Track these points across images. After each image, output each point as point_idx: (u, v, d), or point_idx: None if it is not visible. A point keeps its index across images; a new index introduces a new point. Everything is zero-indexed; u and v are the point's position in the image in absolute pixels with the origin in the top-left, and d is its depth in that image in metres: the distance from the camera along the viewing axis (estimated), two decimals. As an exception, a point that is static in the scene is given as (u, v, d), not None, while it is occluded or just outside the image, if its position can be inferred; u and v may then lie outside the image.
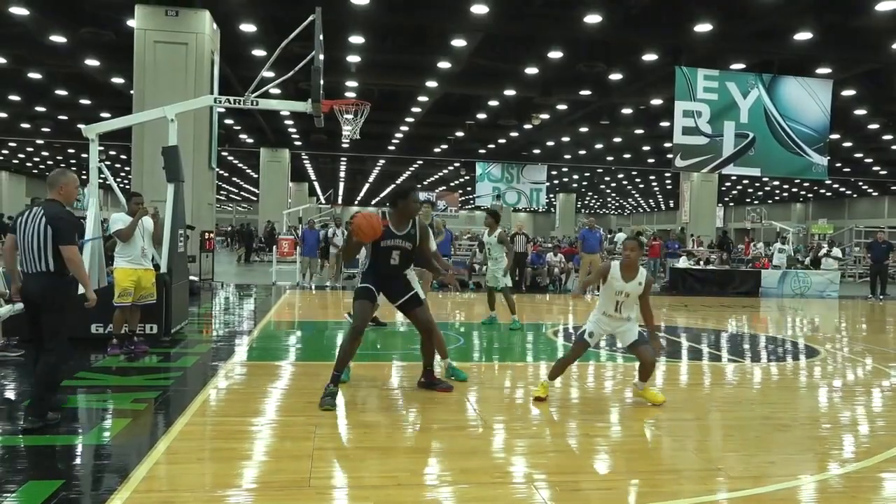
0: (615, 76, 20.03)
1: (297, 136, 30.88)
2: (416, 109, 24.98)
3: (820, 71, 18.31)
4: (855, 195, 56.31)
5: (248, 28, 15.77)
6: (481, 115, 26.48)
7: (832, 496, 3.79)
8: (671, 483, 3.87)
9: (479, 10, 14.17)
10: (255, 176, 37.23)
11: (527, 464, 4.14)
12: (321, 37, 8.94)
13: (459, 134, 30.96)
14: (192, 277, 11.76)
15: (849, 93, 20.66)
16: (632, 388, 5.90)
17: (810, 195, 57.30)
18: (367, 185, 54.85)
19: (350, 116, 10.24)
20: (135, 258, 7.32)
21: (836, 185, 50.46)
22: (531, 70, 19.44)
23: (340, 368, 5.48)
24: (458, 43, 16.79)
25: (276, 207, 29.94)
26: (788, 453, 4.53)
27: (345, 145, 29.94)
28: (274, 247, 19.86)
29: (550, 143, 33.18)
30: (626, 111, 25.23)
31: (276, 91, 15.74)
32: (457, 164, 40.02)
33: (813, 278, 18.84)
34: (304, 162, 40.70)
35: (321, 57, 8.88)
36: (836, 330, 12.02)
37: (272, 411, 5.31)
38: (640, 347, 5.54)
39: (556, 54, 17.73)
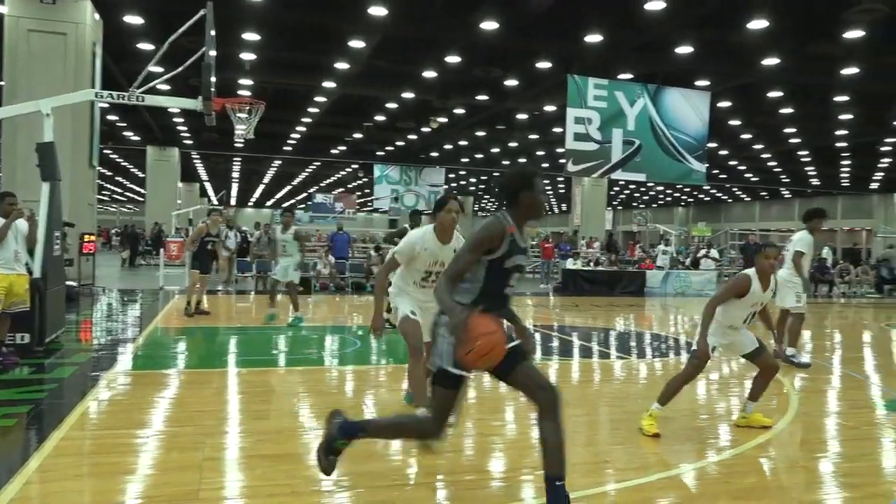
0: (511, 82, 20.50)
1: (187, 135, 29.66)
2: (313, 110, 24.60)
3: (699, 83, 19.46)
4: (730, 200, 60.24)
5: (133, 20, 15.01)
6: (380, 117, 26.41)
7: (708, 482, 4.03)
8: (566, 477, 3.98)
9: (378, 11, 14.13)
10: (142, 175, 35.45)
11: (424, 464, 4.15)
12: (213, 32, 8.64)
13: (357, 135, 30.74)
14: (69, 282, 11.04)
15: (725, 104, 22.06)
16: (738, 417, 5.24)
17: (691, 200, 60.84)
18: (261, 187, 53.46)
19: (244, 115, 9.96)
20: (6, 262, 6.78)
21: (713, 191, 53.81)
22: (429, 73, 19.57)
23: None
24: (357, 44, 16.67)
25: (165, 209, 28.60)
26: (670, 444, 4.77)
27: (238, 145, 29.04)
28: (161, 250, 19.00)
29: (448, 147, 33.54)
30: (522, 116, 25.86)
31: (165, 87, 15.13)
32: (355, 166, 39.70)
33: (693, 278, 19.99)
34: (196, 161, 39.15)
35: (213, 53, 8.59)
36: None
37: (158, 422, 5.06)
38: (763, 354, 5.05)
39: (453, 59, 17.93)
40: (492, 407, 5.72)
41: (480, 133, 29.01)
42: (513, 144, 32.07)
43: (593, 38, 15.96)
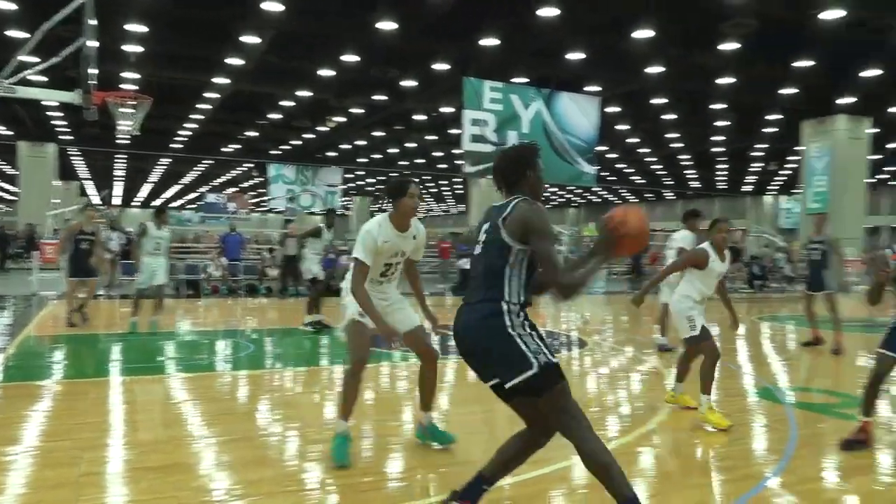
0: (408, 82, 20.55)
1: (65, 130, 27.84)
2: (204, 106, 23.71)
3: (590, 88, 20.21)
4: (618, 201, 62.93)
5: (5, 5, 13.97)
6: (274, 115, 25.80)
7: (599, 473, 4.18)
8: (460, 475, 4.02)
9: (272, 7, 13.80)
10: (14, 173, 32.95)
11: (318, 469, 4.08)
12: (93, 21, 8.15)
13: (251, 134, 29.91)
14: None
15: (613, 109, 23.04)
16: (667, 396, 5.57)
17: (582, 201, 63.14)
18: (149, 186, 51.00)
19: (128, 110, 9.47)
20: None
21: (602, 192, 56.10)
22: (326, 72, 19.31)
23: None
24: (250, 39, 16.21)
25: (40, 208, 26.71)
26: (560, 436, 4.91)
27: (122, 141, 27.57)
28: (35, 252, 17.75)
29: (346, 146, 33.22)
30: (420, 117, 25.98)
31: (40, 78, 14.13)
32: (248, 165, 38.60)
33: (584, 276, 20.70)
34: (74, 158, 36.82)
35: (93, 44, 8.11)
36: (601, 323, 13.31)
37: (31, 437, 4.72)
38: (710, 339, 5.23)
39: (351, 57, 17.77)
40: (390, 408, 5.71)
41: (378, 133, 28.91)
42: (411, 145, 32.16)
43: (489, 42, 16.26)
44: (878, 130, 24.20)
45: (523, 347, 2.85)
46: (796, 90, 20.19)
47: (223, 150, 33.22)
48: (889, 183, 44.09)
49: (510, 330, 2.85)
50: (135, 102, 9.53)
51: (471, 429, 5.10)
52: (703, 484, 3.98)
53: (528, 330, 2.89)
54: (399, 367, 7.62)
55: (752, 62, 17.57)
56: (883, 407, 6.20)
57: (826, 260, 9.12)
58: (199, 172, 43.08)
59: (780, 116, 24.18)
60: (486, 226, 2.99)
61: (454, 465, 4.22)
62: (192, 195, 54.86)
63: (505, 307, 2.87)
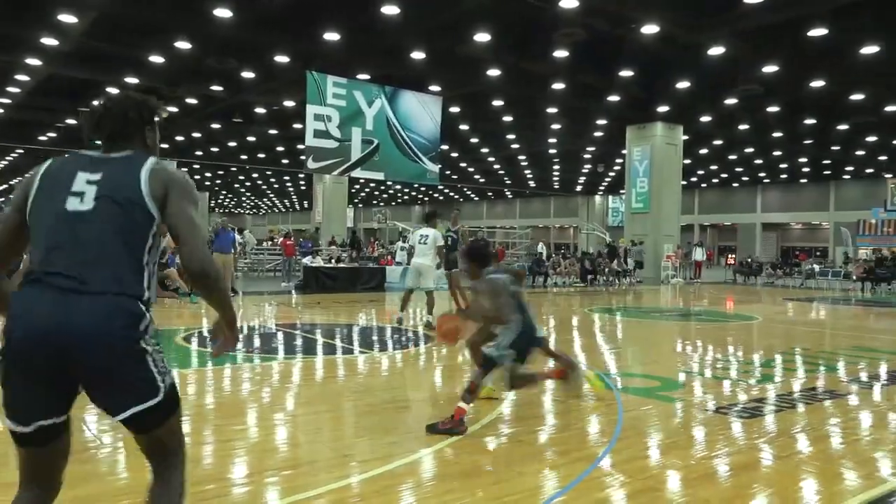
0: (247, 74, 19.82)
1: None
2: (13, 89, 21.45)
3: (433, 88, 20.58)
4: (461, 199, 64.71)
5: None
6: (98, 102, 23.83)
7: (443, 463, 4.28)
8: (306, 475, 3.95)
9: (93, -15, 12.77)
10: None
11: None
12: None
13: (71, 121, 27.48)
14: None
15: (455, 109, 23.62)
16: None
17: (426, 198, 64.18)
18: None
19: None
20: None
21: (446, 190, 57.41)
22: (156, 58, 18.16)
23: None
24: (67, 18, 14.87)
25: None
26: (409, 431, 4.97)
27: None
28: None
29: (180, 138, 31.46)
30: (260, 110, 25.16)
31: None
32: (68, 156, 35.42)
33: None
34: None
35: None
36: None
37: None
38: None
39: (183, 45, 16.84)
40: (231, 412, 5.48)
41: (215, 125, 27.64)
42: (251, 139, 31.06)
43: (332, 37, 16.07)
44: (687, 138, 26.73)
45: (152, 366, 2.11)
46: (620, 97, 21.80)
47: (39, 138, 30.23)
48: (702, 185, 48.88)
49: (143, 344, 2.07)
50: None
51: (314, 427, 5.02)
52: (541, 469, 4.19)
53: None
54: (243, 368, 7.34)
55: (581, 70, 18.75)
56: (697, 388, 6.87)
57: (455, 245, 11.07)
58: (8, 162, 38.91)
59: (606, 121, 26.00)
60: (94, 186, 2.11)
61: (296, 465, 4.14)
62: (3, 187, 49.49)
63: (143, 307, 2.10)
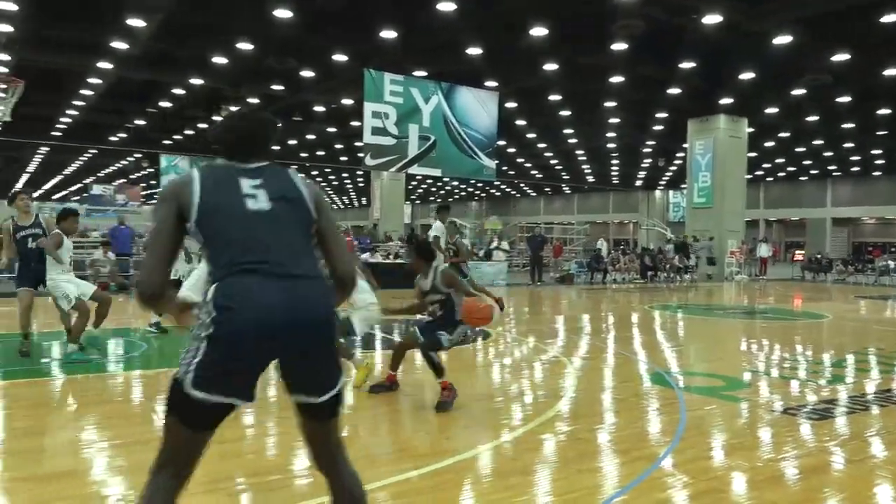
0: (306, 73, 20.15)
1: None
2: (86, 92, 22.35)
3: (489, 83, 20.51)
4: (518, 195, 64.41)
5: None
6: (165, 104, 24.67)
7: (500, 460, 4.27)
8: (365, 469, 4.00)
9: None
10: None
11: (219, 469, 3.95)
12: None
13: (140, 122, 28.48)
14: None
15: (512, 105, 23.49)
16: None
17: (483, 194, 64.12)
18: (25, 176, 47.57)
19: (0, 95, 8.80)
20: None
21: (503, 186, 57.20)
22: (219, 60, 18.64)
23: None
24: (135, 23, 15.39)
25: None
26: (467, 427, 4.98)
27: (-6, 128, 25.57)
28: None
29: (242, 137, 32.20)
30: (319, 109, 25.55)
31: None
32: (137, 155, 36.74)
33: (486, 269, 21.08)
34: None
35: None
36: (504, 314, 13.57)
37: None
38: None
39: (245, 46, 17.24)
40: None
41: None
42: (311, 136, 31.59)
43: (389, 35, 16.18)
44: (751, 130, 25.89)
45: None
46: (681, 90, 21.28)
47: (110, 139, 31.45)
48: (767, 179, 47.34)
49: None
50: (5, 86, 8.84)
51: (374, 423, 5.08)
52: (601, 467, 4.14)
53: None
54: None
55: (640, 62, 18.37)
56: (764, 388, 6.67)
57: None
58: (83, 162, 40.61)
59: (666, 115, 25.42)
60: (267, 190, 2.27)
61: (357, 459, 4.20)
62: (77, 186, 51.71)
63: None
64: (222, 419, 2.15)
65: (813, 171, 44.01)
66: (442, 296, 5.58)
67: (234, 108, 24.28)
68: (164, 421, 2.18)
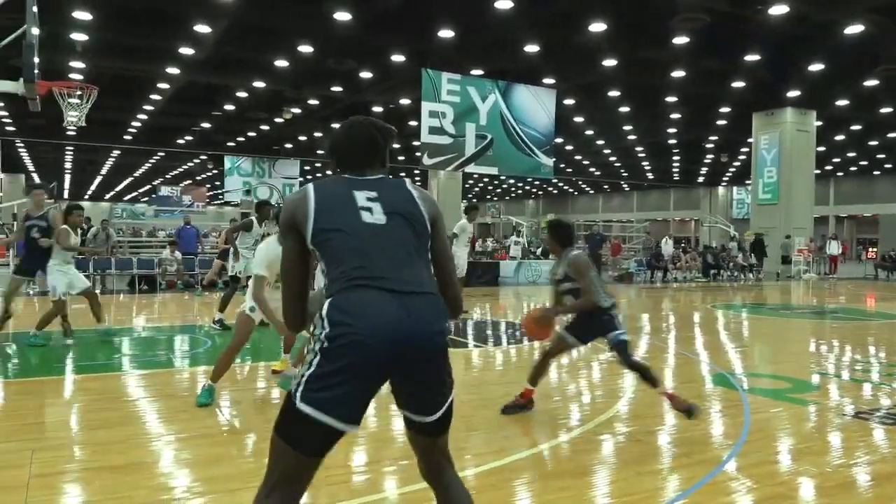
0: (365, 74, 20.39)
1: (8, 121, 26.92)
2: (155, 97, 23.17)
3: (546, 80, 20.34)
4: (576, 193, 63.68)
5: (-61, -9, 13.39)
6: (229, 107, 25.35)
7: (558, 460, 4.23)
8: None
9: (224, -4, 13.55)
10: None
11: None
12: (35, 8, 7.88)
13: (206, 125, 29.35)
14: None
15: (569, 102, 23.23)
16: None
17: (540, 192, 63.66)
18: (98, 178, 49.67)
19: (75, 101, 9.21)
20: None
21: (561, 184, 56.63)
22: (281, 63, 19.05)
23: None
24: (202, 29, 15.88)
25: (-16, 202, 25.81)
26: (524, 426, 4.96)
27: (70, 132, 26.77)
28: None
29: (303, 138, 32.85)
30: (377, 109, 25.83)
31: (-20, 67, 13.63)
32: (203, 157, 37.88)
33: (543, 267, 20.92)
34: (20, 150, 35.62)
35: (35, 31, 7.83)
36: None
37: (-22, 438, 4.56)
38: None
39: (305, 49, 17.57)
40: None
41: (336, 125, 28.64)
42: (369, 137, 31.94)
43: (446, 34, 16.22)
44: (820, 123, 24.93)
45: None
46: (745, 83, 20.65)
47: (177, 141, 32.52)
48: (837, 174, 45.52)
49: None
50: (80, 92, 9.26)
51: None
52: (662, 469, 4.06)
53: None
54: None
55: (703, 56, 17.91)
56: (833, 391, 6.42)
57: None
58: (151, 164, 42.12)
59: (730, 109, 24.72)
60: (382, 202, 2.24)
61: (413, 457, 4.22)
62: (146, 187, 53.61)
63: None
64: (331, 446, 2.07)
65: (887, 166, 42.04)
66: (572, 285, 4.96)
67: (293, 110, 24.78)
68: (272, 441, 2.09)
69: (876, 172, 44.83)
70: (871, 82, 20.24)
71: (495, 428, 4.84)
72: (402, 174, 49.31)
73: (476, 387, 6.30)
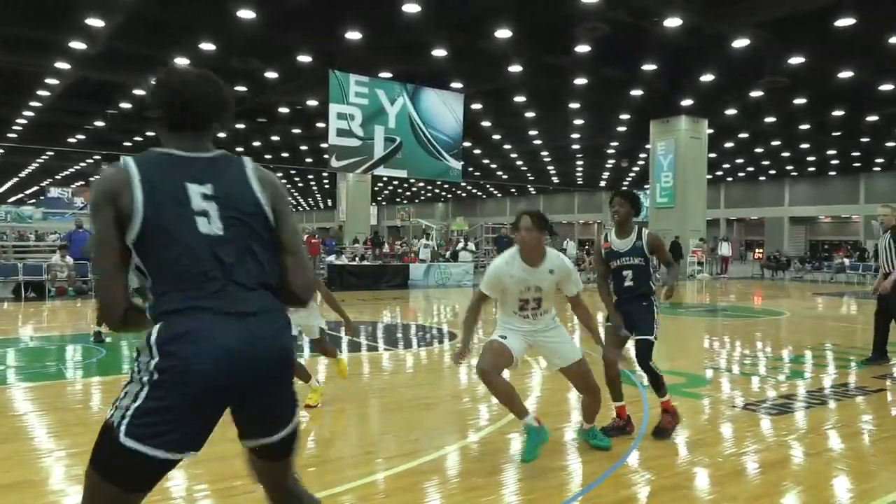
0: (271, 74, 19.96)
1: None
2: (43, 93, 21.83)
3: (454, 85, 20.55)
4: (484, 196, 64.63)
5: None
6: (126, 105, 24.19)
7: (468, 460, 4.28)
8: (332, 472, 3.98)
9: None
10: None
11: (186, 475, 3.89)
12: None
13: (99, 123, 27.90)
14: None
15: (477, 106, 23.56)
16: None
17: (449, 196, 64.21)
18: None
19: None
20: None
21: (469, 187, 57.33)
22: (181, 60, 18.35)
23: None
24: (94, 22, 15.08)
25: None
26: (434, 429, 4.99)
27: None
28: None
29: (205, 139, 31.76)
30: (284, 110, 25.33)
31: None
32: (97, 157, 35.99)
33: (453, 270, 21.13)
34: None
35: None
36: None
37: None
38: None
39: (207, 46, 17.01)
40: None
41: (240, 125, 27.88)
42: (275, 138, 31.29)
43: (354, 35, 16.11)
44: (711, 131, 26.37)
45: None
46: (643, 92, 21.58)
47: (68, 140, 30.75)
48: (727, 179, 48.24)
49: None
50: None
51: (340, 425, 5.04)
52: (567, 465, 4.18)
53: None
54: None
55: (603, 64, 18.59)
56: (725, 384, 6.80)
57: None
58: (39, 164, 39.64)
59: (629, 116, 25.76)
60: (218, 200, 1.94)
61: (324, 462, 4.17)
62: (33, 189, 50.45)
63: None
64: (161, 477, 1.85)
65: (771, 172, 45.01)
66: (639, 261, 4.90)
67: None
68: (87, 476, 1.86)
69: (762, 178, 47.88)
70: (757, 93, 21.59)
71: (405, 430, 4.85)
72: (310, 178, 48.59)
73: (386, 390, 6.28)
